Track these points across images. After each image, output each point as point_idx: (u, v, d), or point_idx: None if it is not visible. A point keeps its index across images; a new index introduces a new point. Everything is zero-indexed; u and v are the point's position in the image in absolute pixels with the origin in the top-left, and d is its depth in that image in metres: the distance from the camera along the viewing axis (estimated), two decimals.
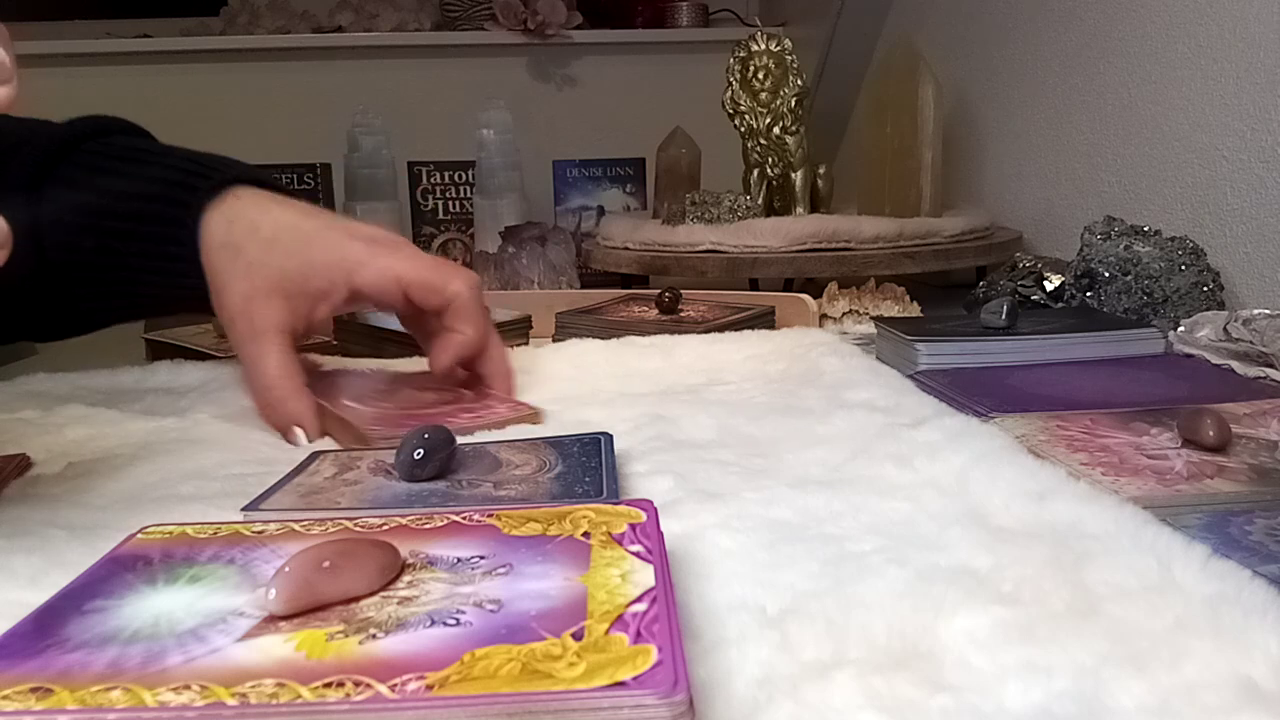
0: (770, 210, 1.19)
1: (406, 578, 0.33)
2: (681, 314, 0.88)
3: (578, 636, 0.28)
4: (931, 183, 1.14)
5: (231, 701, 0.26)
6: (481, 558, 0.34)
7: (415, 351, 0.78)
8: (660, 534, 0.36)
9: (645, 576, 0.32)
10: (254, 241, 0.61)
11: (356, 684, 0.26)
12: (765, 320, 0.86)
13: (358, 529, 0.37)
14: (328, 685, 0.26)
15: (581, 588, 0.32)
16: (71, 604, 0.32)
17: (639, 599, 0.30)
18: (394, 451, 0.47)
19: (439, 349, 0.65)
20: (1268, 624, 0.31)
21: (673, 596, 0.31)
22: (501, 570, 0.33)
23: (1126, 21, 1.03)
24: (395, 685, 0.26)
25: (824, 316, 0.91)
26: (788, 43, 1.14)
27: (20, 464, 0.52)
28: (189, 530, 0.38)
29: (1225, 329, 0.68)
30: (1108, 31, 1.06)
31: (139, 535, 0.37)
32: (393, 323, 0.86)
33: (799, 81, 1.14)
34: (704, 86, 1.34)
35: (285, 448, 0.57)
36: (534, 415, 0.60)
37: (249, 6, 1.96)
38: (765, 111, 1.14)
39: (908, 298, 0.95)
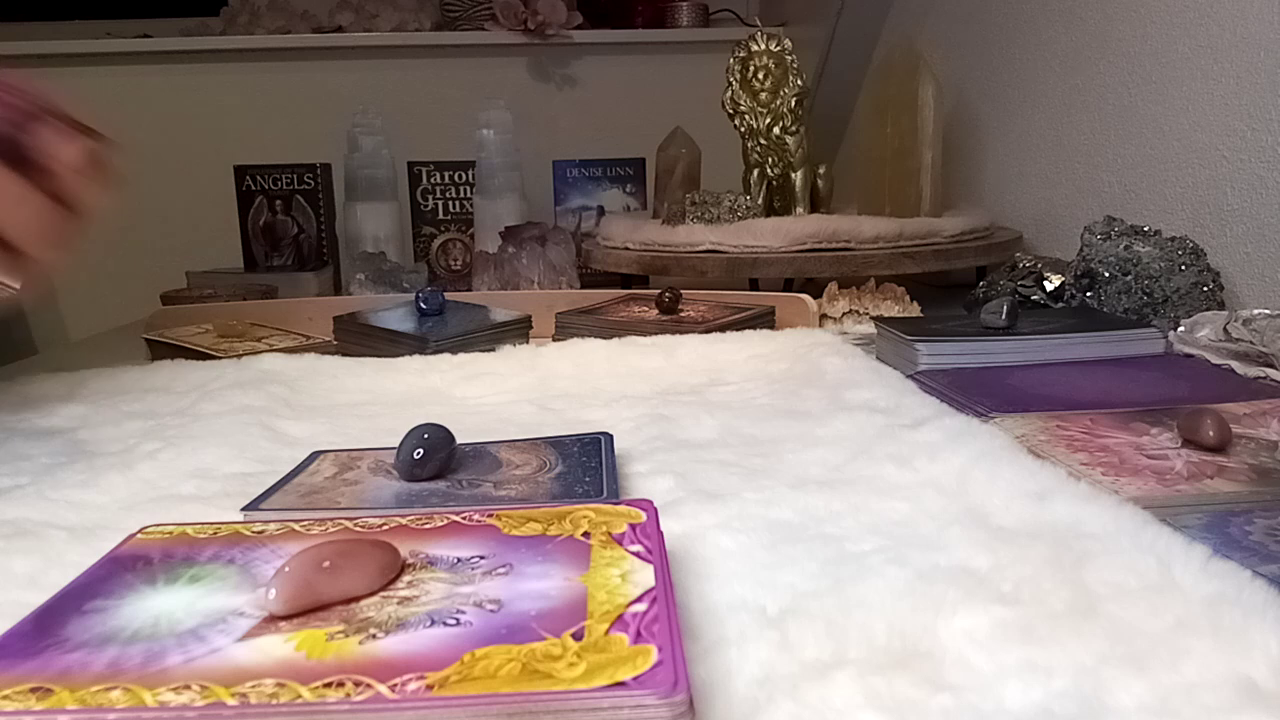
0: (770, 210, 1.19)
1: (406, 578, 0.33)
2: (681, 314, 0.88)
3: (578, 636, 0.28)
4: (931, 183, 1.14)
5: (231, 701, 0.26)
6: (481, 558, 0.34)
7: (416, 351, 0.78)
8: (660, 534, 0.36)
9: (645, 576, 0.32)
10: None
11: (356, 684, 0.26)
12: (765, 320, 0.86)
13: (358, 529, 0.37)
14: (328, 685, 0.26)
15: (581, 588, 0.32)
16: (71, 604, 0.32)
17: (639, 599, 0.30)
18: (394, 451, 0.47)
19: None
20: (1268, 624, 0.31)
21: (673, 596, 0.31)
22: (501, 570, 0.33)
23: (1127, 22, 1.03)
24: (395, 685, 0.26)
25: (824, 316, 0.91)
26: (788, 43, 1.14)
27: None
28: (189, 530, 0.38)
29: (1225, 329, 0.68)
30: (1108, 32, 1.06)
31: (139, 535, 0.37)
32: (393, 322, 0.86)
33: (799, 81, 1.14)
34: (704, 86, 1.34)
35: (285, 447, 0.57)
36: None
37: (249, 6, 1.96)
38: (765, 111, 1.14)
39: (908, 298, 0.95)
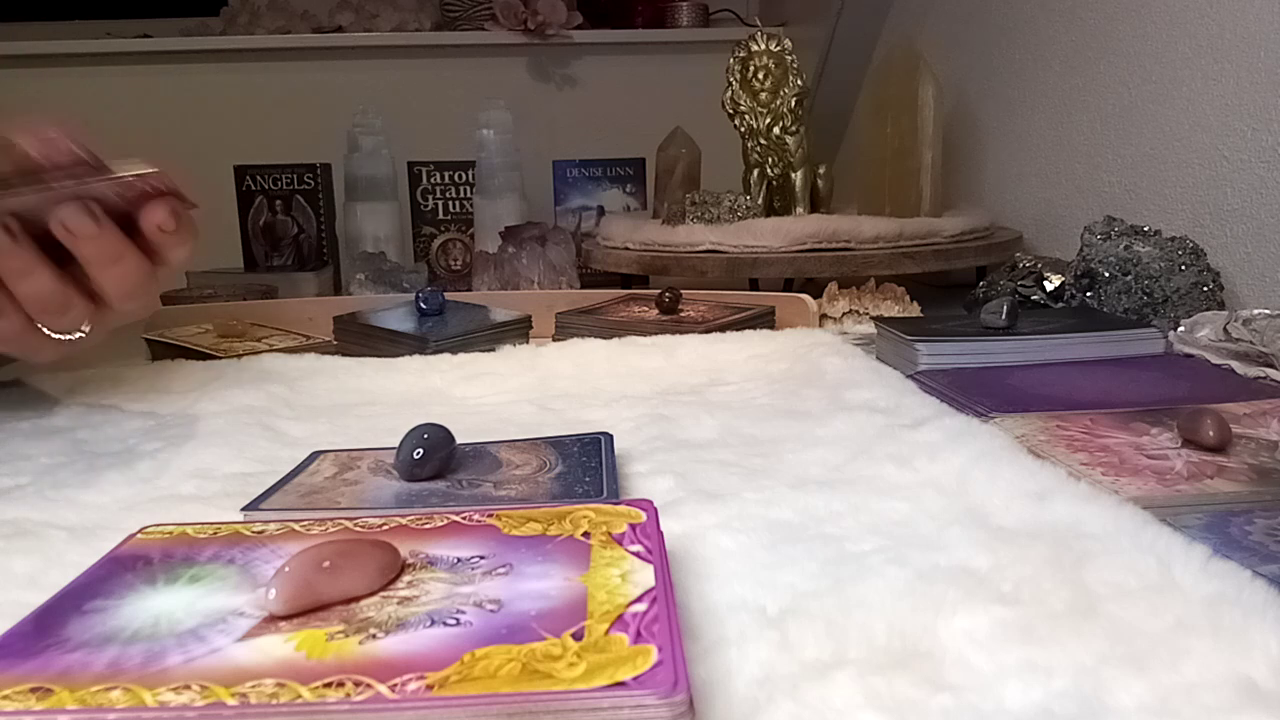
0: (770, 210, 1.19)
1: (406, 578, 0.33)
2: (681, 314, 0.88)
3: (578, 636, 0.28)
4: (931, 183, 1.14)
5: (231, 701, 0.26)
6: (481, 558, 0.34)
7: (416, 351, 0.78)
8: (660, 534, 0.36)
9: (645, 576, 0.32)
10: None
11: (356, 684, 0.26)
12: (765, 320, 0.86)
13: (358, 529, 0.37)
14: (328, 685, 0.26)
15: (581, 588, 0.32)
16: (71, 604, 0.32)
17: (639, 599, 0.30)
18: (394, 451, 0.47)
19: None
20: (1268, 624, 0.31)
21: (673, 596, 0.31)
22: (501, 570, 0.33)
23: (1127, 21, 1.03)
24: (395, 685, 0.26)
25: (824, 316, 0.91)
26: (788, 43, 1.14)
27: None
28: (189, 530, 0.38)
29: (1225, 329, 0.68)
30: (1108, 31, 1.06)
31: (139, 535, 0.37)
32: (393, 322, 0.86)
33: (799, 81, 1.14)
34: (704, 86, 1.34)
35: (285, 447, 0.57)
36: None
37: (249, 6, 1.96)
38: (765, 111, 1.14)
39: (908, 298, 0.95)
